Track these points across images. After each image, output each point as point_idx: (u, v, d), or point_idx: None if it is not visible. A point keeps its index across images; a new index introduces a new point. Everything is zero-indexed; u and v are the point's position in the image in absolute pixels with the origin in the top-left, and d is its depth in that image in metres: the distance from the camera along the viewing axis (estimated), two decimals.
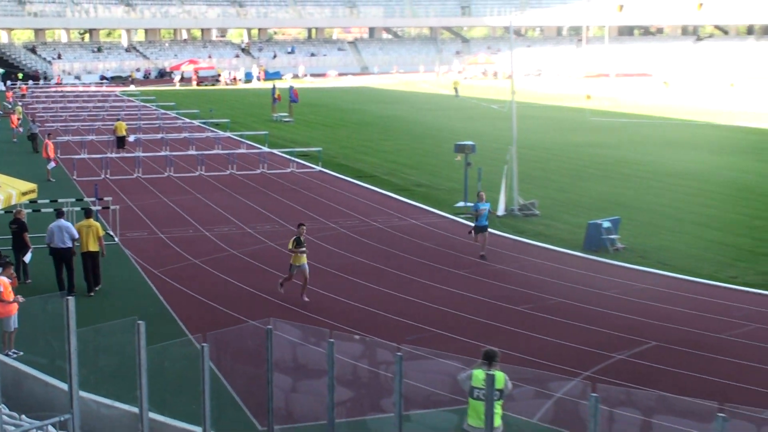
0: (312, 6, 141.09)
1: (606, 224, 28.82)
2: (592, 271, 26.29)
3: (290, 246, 23.07)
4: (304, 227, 23.73)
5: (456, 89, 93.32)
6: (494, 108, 74.77)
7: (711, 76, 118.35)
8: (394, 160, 48.58)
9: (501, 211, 33.64)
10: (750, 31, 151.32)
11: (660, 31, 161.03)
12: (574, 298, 23.45)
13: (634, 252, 28.15)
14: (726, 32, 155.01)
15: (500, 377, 12.25)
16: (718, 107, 78.27)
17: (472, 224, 28.24)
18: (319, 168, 45.13)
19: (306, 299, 22.76)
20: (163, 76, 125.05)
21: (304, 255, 23.01)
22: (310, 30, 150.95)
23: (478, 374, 12.36)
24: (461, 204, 35.18)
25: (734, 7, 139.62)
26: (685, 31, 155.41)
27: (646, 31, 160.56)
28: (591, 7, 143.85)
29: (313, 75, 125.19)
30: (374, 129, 64.15)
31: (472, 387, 12.44)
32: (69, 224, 23.90)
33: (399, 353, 11.84)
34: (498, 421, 12.35)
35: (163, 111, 75.88)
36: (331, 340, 12.30)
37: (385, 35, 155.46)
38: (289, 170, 44.91)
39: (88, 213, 24.72)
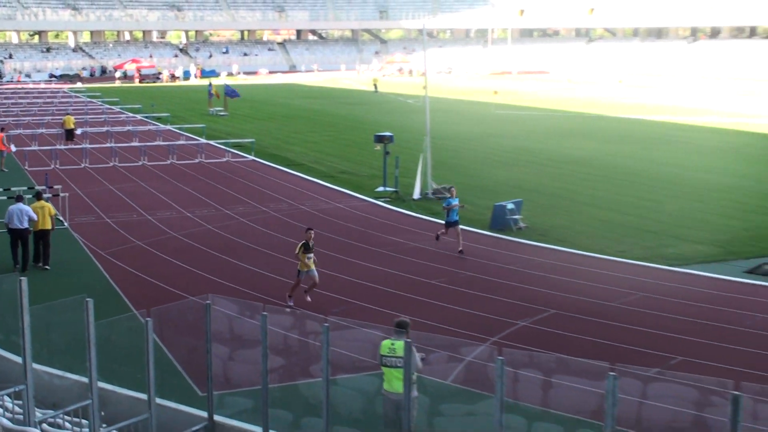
0: (244, 10, 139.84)
1: (510, 206, 29.13)
2: (498, 247, 26.53)
3: (297, 251, 20.55)
4: (312, 232, 20.97)
5: (375, 85, 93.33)
6: (410, 102, 74.95)
7: (601, 74, 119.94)
8: (320, 149, 48.45)
9: (416, 194, 33.83)
10: (635, 33, 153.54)
11: (556, 33, 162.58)
12: (482, 272, 23.66)
13: (534, 230, 28.47)
14: (614, 34, 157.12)
15: (399, 345, 12.29)
16: (607, 101, 79.38)
17: (443, 221, 26.55)
18: (251, 157, 44.86)
19: (309, 299, 20.49)
20: (107, 73, 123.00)
21: (312, 260, 20.51)
22: (242, 32, 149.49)
23: (386, 344, 12.43)
24: (381, 188, 35.29)
25: (622, 12, 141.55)
26: (578, 33, 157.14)
27: (544, 33, 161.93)
28: (495, 12, 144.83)
29: (245, 73, 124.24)
30: (301, 122, 63.86)
31: (381, 355, 12.49)
32: (28, 207, 23.86)
33: (326, 324, 11.82)
34: (401, 387, 12.39)
35: (107, 106, 74.75)
36: (264, 313, 12.24)
37: (311, 37, 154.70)
38: (224, 160, 44.53)
39: (39, 195, 25.04)
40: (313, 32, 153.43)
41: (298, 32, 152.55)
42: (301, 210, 32.07)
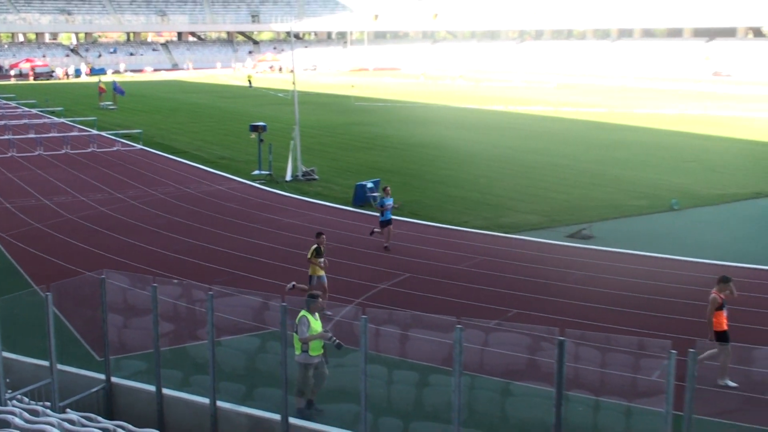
0: (129, 14, 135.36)
1: (369, 185, 29.28)
2: (360, 221, 26.63)
3: (310, 256, 17.90)
4: (324, 236, 18.22)
5: (250, 81, 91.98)
6: (280, 96, 74.21)
7: (444, 70, 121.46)
8: (202, 138, 47.48)
9: (288, 177, 33.62)
10: (473, 35, 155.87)
11: (406, 35, 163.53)
12: (346, 242, 23.70)
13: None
14: (455, 36, 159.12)
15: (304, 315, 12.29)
16: (450, 92, 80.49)
17: (379, 220, 23.63)
18: (140, 146, 43.62)
19: (328, 314, 16.93)
20: (2, 72, 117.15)
21: (323, 266, 17.87)
22: (128, 34, 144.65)
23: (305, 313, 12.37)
24: (257, 172, 34.97)
25: (462, 16, 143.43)
26: (424, 35, 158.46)
27: (396, 35, 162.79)
28: (353, 17, 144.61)
29: (132, 71, 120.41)
30: (185, 114, 62.39)
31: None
32: None
33: (210, 292, 11.66)
34: (299, 350, 12.38)
35: (4, 101, 71.21)
36: (155, 284, 11.98)
37: (191, 38, 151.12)
38: (115, 149, 43.12)
39: None
40: (193, 34, 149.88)
41: (179, 34, 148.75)
42: (186, 192, 31.42)
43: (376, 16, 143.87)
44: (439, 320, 14.99)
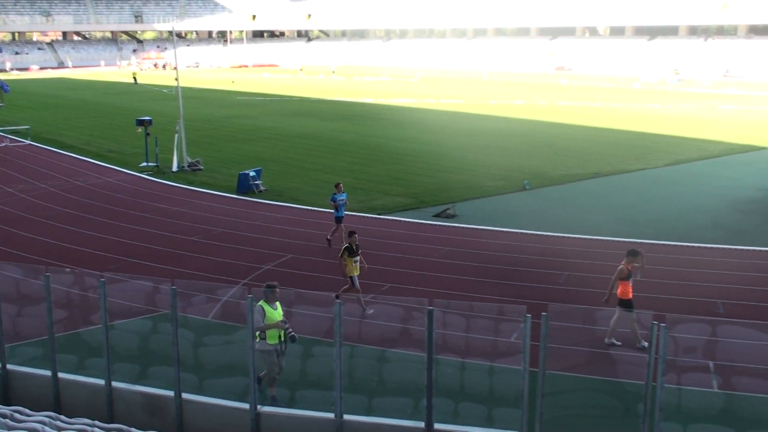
0: (14, 15, 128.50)
1: (252, 173, 28.94)
2: (244, 207, 26.28)
3: (341, 256, 16.13)
4: (356, 235, 16.31)
5: (135, 78, 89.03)
6: (164, 91, 72.19)
7: (320, 65, 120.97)
8: (89, 133, 45.63)
9: (175, 167, 32.80)
10: (344, 34, 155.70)
11: (282, 34, 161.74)
12: (232, 228, 23.35)
13: (273, 192, 28.42)
14: (327, 35, 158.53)
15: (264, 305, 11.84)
16: (325, 87, 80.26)
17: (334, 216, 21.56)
18: (28, 141, 41.56)
19: (370, 311, 15.77)
20: None
21: (359, 265, 16.09)
22: (14, 33, 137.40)
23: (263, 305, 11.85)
24: (144, 164, 33.98)
25: (333, 17, 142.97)
26: (299, 34, 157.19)
27: (272, 34, 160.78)
28: (232, 17, 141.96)
29: (18, 69, 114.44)
30: (72, 110, 59.79)
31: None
32: None
33: (102, 279, 11.28)
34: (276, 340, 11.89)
35: None
36: (47, 274, 11.48)
37: (75, 37, 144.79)
38: (2, 145, 40.94)
39: None
40: (78, 33, 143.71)
41: (64, 33, 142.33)
42: (76, 185, 30.16)
43: (254, 17, 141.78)
44: (320, 296, 14.98)
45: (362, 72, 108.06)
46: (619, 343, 13.97)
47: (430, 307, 9.97)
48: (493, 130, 45.68)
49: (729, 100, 66.10)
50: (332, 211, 21.61)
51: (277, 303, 11.99)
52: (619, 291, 14.32)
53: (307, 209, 25.90)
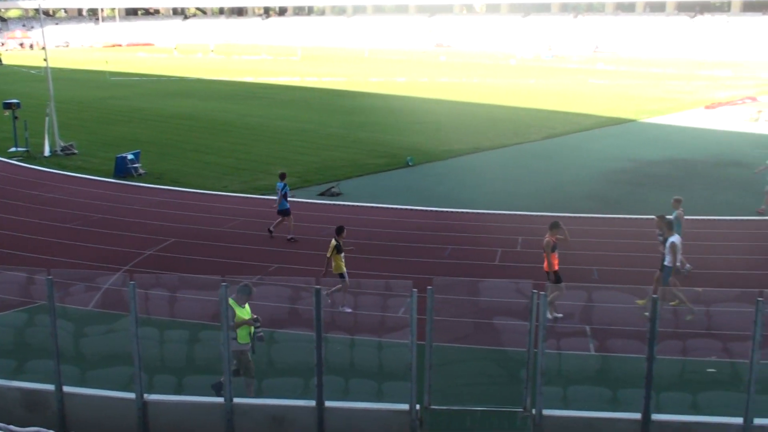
0: None
1: (130, 156, 28.12)
2: (123, 192, 25.49)
3: (330, 254, 15.29)
4: (345, 233, 15.73)
5: None
6: (33, 72, 68.84)
7: (198, 44, 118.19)
8: None
9: (47, 152, 31.43)
10: (222, 11, 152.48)
11: (157, 11, 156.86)
12: (111, 213, 22.61)
13: (152, 175, 27.68)
14: (205, 12, 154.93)
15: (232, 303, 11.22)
16: (203, 66, 78.50)
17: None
18: None
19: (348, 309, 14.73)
20: None
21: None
22: None
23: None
24: (13, 149, 32.38)
25: None
26: (175, 11, 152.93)
27: (147, 12, 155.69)
28: None
29: None
30: None
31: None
32: None
33: None
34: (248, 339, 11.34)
35: None
36: None
37: None
38: None
39: None
40: None
41: None
42: None
43: None
44: (205, 280, 14.74)
45: (242, 50, 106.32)
46: (561, 315, 14.04)
47: (317, 287, 9.99)
48: (375, 108, 45.92)
49: (598, 74, 68.82)
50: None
51: (247, 304, 11.40)
52: (545, 265, 14.65)
53: (188, 191, 25.36)
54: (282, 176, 20.34)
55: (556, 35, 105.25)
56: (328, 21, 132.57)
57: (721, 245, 19.28)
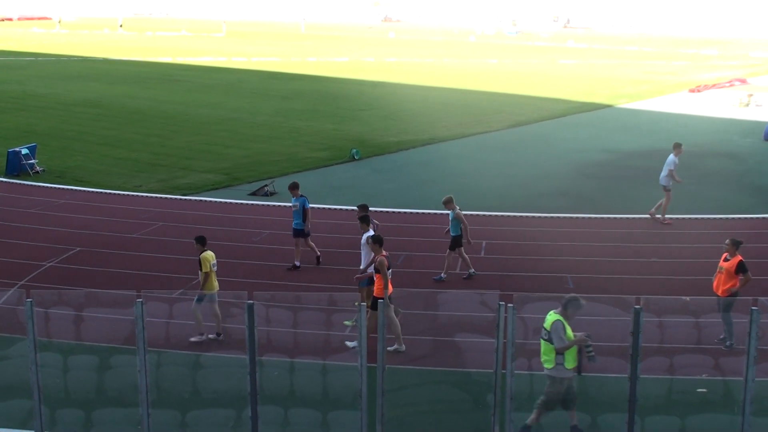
0: None
1: (24, 151, 27.68)
2: (16, 193, 25.04)
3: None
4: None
5: None
6: None
7: (103, 18, 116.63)
8: None
9: None
10: None
11: None
12: (2, 218, 22.15)
13: (52, 173, 27.25)
14: None
15: None
16: (110, 44, 77.47)
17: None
18: None
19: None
20: None
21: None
22: None
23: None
24: None
25: None
26: None
27: None
28: None
29: None
30: None
31: None
32: None
33: None
34: None
35: None
36: None
37: None
38: None
39: None
40: None
41: None
42: None
43: None
44: (117, 296, 14.55)
45: (156, 26, 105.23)
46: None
47: (250, 301, 9.92)
48: (313, 92, 45.87)
49: (569, 53, 69.82)
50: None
51: None
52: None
53: (95, 192, 25.02)
54: (294, 187, 18.49)
55: (521, 8, 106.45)
56: None
57: (708, 247, 19.68)
